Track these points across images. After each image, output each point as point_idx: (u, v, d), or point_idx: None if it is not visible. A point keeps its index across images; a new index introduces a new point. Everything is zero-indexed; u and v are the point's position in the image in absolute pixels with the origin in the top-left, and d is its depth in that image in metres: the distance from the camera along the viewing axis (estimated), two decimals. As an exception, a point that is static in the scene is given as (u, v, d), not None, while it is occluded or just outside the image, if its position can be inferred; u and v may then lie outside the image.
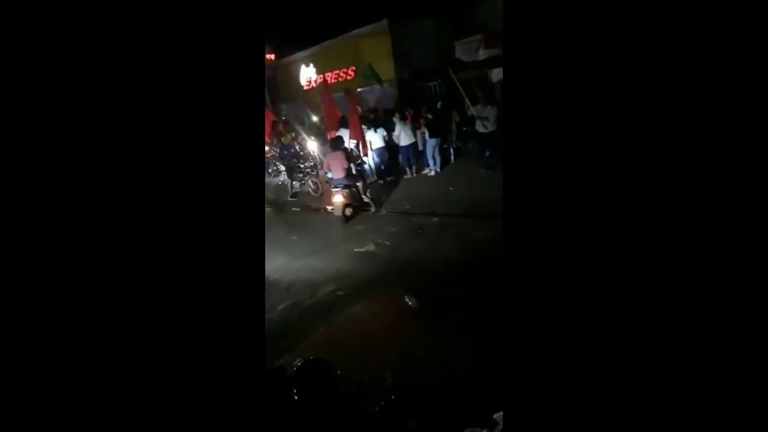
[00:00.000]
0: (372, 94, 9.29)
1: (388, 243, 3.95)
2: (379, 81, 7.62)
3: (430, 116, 6.38)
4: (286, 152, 6.91)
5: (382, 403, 0.91)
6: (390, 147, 6.53)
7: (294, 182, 6.79)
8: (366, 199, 5.21)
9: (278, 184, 7.38)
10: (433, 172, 6.28)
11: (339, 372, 0.93)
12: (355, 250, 3.94)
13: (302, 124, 9.20)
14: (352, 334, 2.48)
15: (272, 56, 11.51)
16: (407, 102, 7.57)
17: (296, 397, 0.87)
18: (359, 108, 7.15)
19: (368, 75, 7.44)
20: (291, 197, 6.67)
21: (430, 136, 6.12)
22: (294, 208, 6.21)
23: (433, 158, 6.25)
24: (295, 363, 0.96)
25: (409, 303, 2.70)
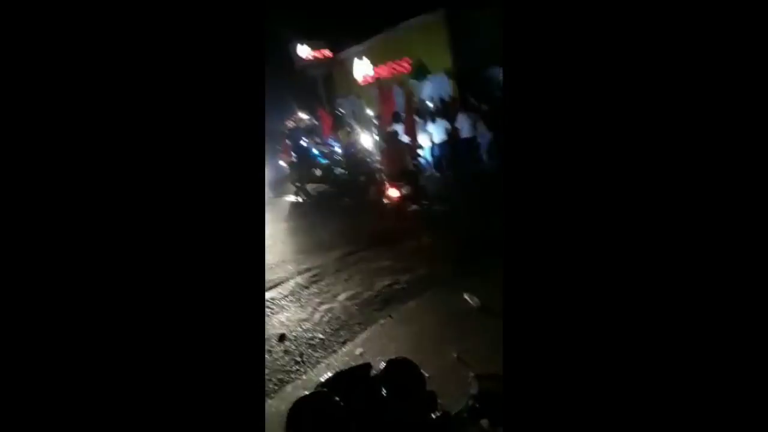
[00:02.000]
0: (428, 86, 9.16)
1: (441, 238, 3.90)
2: (429, 72, 7.41)
3: (485, 107, 6.12)
4: (346, 150, 7.10)
5: (468, 408, 0.90)
6: (453, 140, 6.37)
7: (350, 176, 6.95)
8: (422, 194, 5.17)
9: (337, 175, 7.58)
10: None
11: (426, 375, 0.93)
12: (411, 244, 3.94)
13: (357, 119, 9.35)
14: (412, 329, 2.50)
15: (328, 52, 11.77)
16: (465, 93, 7.36)
17: (385, 395, 0.88)
18: (415, 100, 7.08)
19: (419, 71, 7.29)
20: (347, 190, 6.84)
21: (489, 129, 5.89)
22: (347, 200, 6.36)
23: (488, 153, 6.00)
24: (378, 361, 0.97)
25: (470, 302, 2.65)
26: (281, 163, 8.37)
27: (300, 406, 0.85)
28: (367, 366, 0.97)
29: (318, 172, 7.47)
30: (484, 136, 5.92)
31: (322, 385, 0.95)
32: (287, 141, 8.26)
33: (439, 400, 0.92)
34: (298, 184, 7.63)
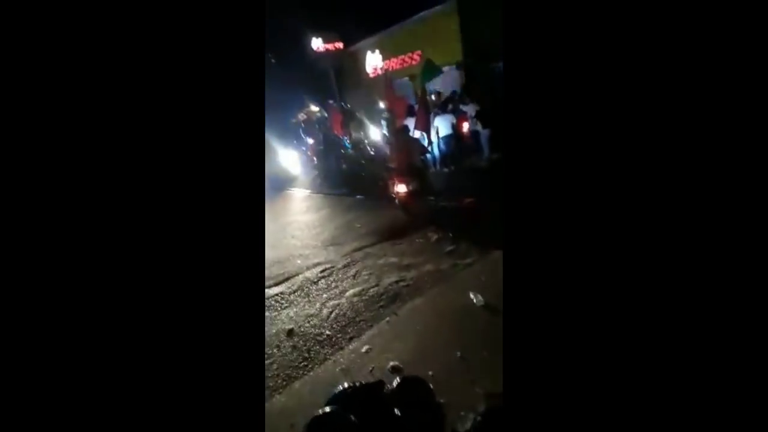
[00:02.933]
0: (437, 79, 9.06)
1: (450, 235, 3.92)
2: (438, 70, 7.34)
3: (477, 105, 6.00)
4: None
5: (476, 427, 0.92)
6: (457, 134, 6.35)
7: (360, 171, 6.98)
8: (429, 189, 5.17)
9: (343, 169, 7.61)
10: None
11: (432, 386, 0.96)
12: (417, 240, 3.97)
13: (367, 112, 9.33)
14: (417, 327, 2.54)
15: (340, 44, 11.71)
16: (471, 86, 7.27)
17: (398, 414, 0.90)
18: (429, 97, 7.02)
19: (427, 71, 7.18)
20: (355, 186, 6.87)
21: (483, 127, 5.83)
22: (358, 196, 6.39)
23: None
24: (394, 379, 0.98)
25: (474, 300, 2.67)
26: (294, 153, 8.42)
27: (316, 424, 0.88)
28: (381, 384, 1.00)
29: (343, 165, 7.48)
30: (483, 133, 5.88)
31: (335, 398, 0.98)
32: (303, 134, 8.29)
33: (447, 415, 0.95)
34: (322, 174, 7.64)
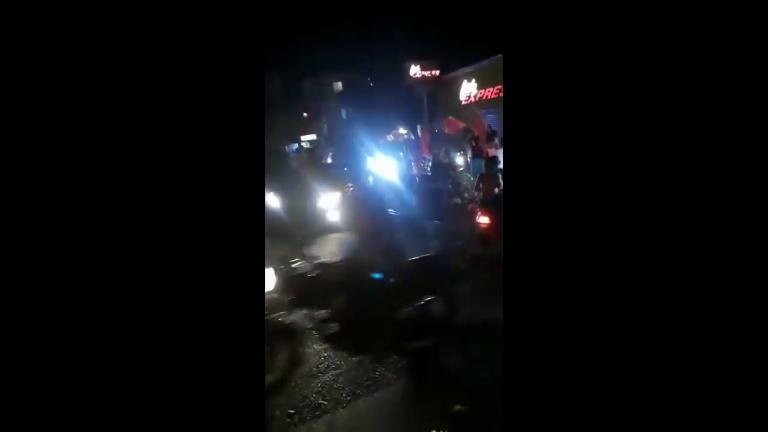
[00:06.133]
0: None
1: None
2: None
3: None
4: (437, 169, 7.11)
5: None
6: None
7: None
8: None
9: (424, 197, 7.60)
10: None
11: None
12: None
13: (453, 140, 9.32)
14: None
15: (437, 72, 12.01)
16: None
17: None
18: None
19: None
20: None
21: None
22: (435, 221, 6.32)
23: None
24: None
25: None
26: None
27: None
28: None
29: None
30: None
31: None
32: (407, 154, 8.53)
33: None
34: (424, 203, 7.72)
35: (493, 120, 6.98)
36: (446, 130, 7.27)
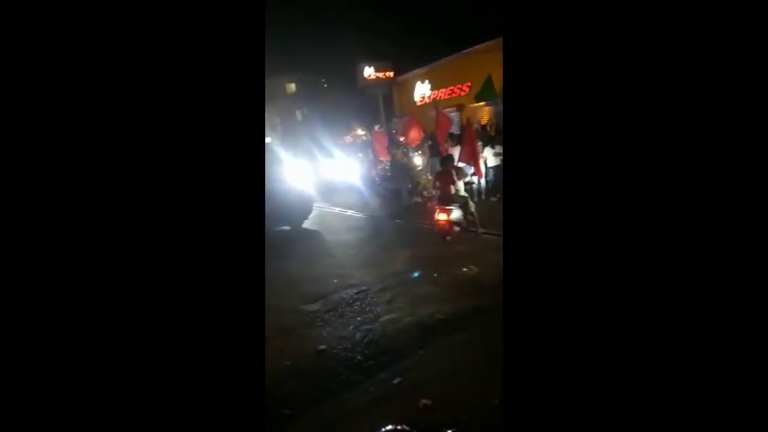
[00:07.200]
0: (487, 110, 9.07)
1: (490, 269, 3.78)
2: (495, 95, 7.38)
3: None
4: (396, 169, 7.22)
5: None
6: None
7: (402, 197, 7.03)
8: (471, 219, 5.08)
9: (384, 197, 7.69)
10: None
11: None
12: (457, 272, 3.86)
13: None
14: (451, 365, 2.43)
15: (391, 73, 12.11)
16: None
17: None
18: (475, 125, 7.05)
19: (486, 89, 7.27)
20: (396, 212, 6.89)
21: None
22: (397, 221, 6.40)
23: None
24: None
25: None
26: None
27: None
28: None
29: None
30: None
31: None
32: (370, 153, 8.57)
33: None
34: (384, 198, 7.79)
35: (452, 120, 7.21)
36: (409, 134, 7.37)
